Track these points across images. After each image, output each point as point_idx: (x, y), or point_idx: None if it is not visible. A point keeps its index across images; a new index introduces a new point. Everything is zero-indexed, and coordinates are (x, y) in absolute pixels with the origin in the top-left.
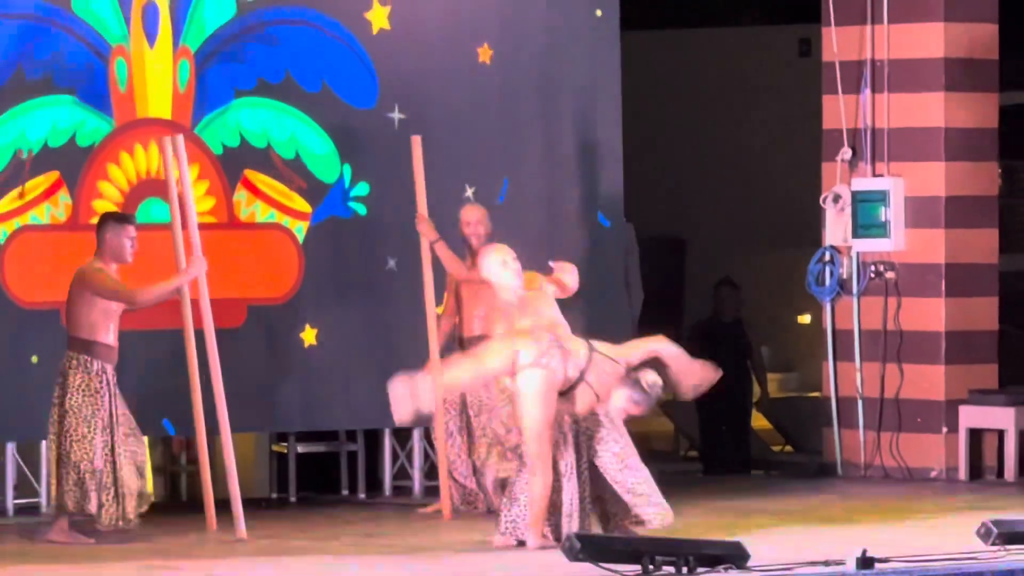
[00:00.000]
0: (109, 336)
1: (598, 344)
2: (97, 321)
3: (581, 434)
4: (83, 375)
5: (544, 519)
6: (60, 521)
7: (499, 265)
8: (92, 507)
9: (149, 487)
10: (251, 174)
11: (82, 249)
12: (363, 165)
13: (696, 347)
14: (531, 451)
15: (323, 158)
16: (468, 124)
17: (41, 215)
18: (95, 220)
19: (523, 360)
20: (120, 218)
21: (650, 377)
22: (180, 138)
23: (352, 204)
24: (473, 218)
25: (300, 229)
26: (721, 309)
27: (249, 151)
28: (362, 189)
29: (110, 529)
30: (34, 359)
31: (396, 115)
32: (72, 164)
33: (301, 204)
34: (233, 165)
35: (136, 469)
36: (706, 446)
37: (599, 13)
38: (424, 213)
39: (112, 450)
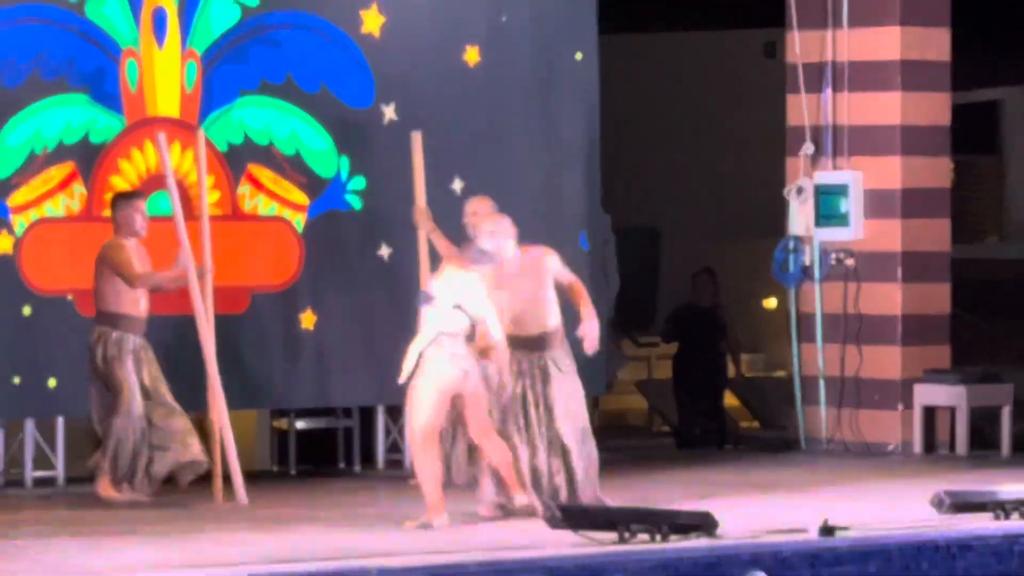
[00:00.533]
0: (135, 307)
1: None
2: (121, 292)
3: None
4: (106, 346)
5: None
6: (102, 478)
7: (487, 235)
8: (126, 472)
9: (196, 455)
10: (255, 169)
11: (96, 238)
12: (360, 161)
13: (675, 330)
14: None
15: (322, 154)
16: (457, 123)
17: (57, 207)
18: (107, 212)
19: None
20: (129, 195)
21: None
22: (201, 134)
23: (349, 197)
24: (481, 210)
25: (299, 221)
26: (699, 295)
27: (252, 148)
28: (359, 183)
29: (146, 493)
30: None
31: (389, 114)
32: (86, 159)
33: (300, 197)
34: (237, 161)
35: (171, 436)
36: (682, 422)
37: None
38: (422, 205)
39: (143, 417)
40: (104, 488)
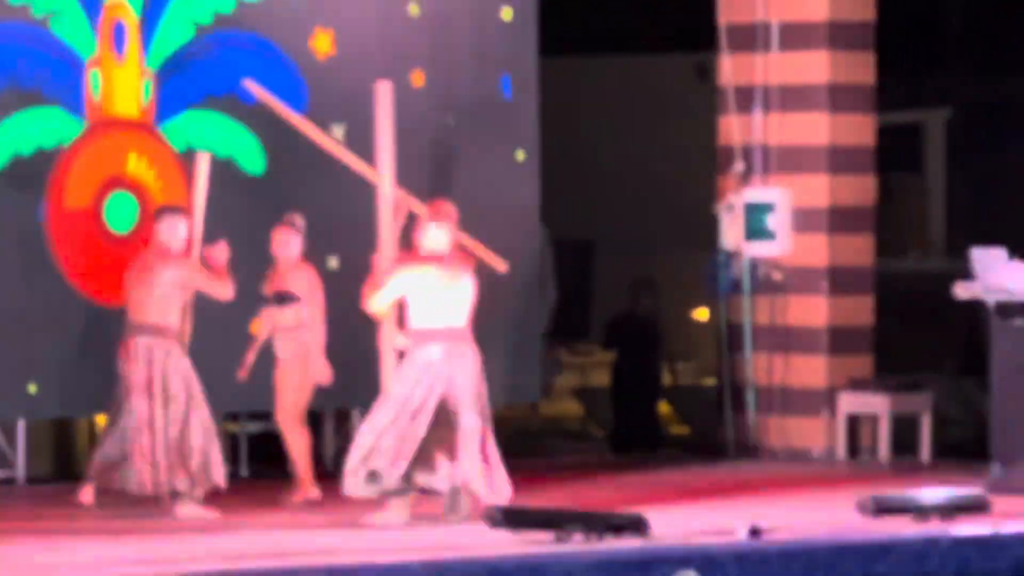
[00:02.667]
0: (168, 318)
1: None
2: (160, 303)
3: None
4: (152, 355)
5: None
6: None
7: (433, 227)
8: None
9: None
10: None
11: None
12: (291, 166)
13: (612, 339)
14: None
15: (255, 159)
16: (404, 142)
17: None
18: (71, 204)
19: None
20: (176, 210)
21: None
22: (207, 156)
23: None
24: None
25: None
26: (636, 306)
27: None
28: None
29: (142, 494)
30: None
31: (339, 129)
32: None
33: None
34: (189, 163)
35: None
36: (617, 427)
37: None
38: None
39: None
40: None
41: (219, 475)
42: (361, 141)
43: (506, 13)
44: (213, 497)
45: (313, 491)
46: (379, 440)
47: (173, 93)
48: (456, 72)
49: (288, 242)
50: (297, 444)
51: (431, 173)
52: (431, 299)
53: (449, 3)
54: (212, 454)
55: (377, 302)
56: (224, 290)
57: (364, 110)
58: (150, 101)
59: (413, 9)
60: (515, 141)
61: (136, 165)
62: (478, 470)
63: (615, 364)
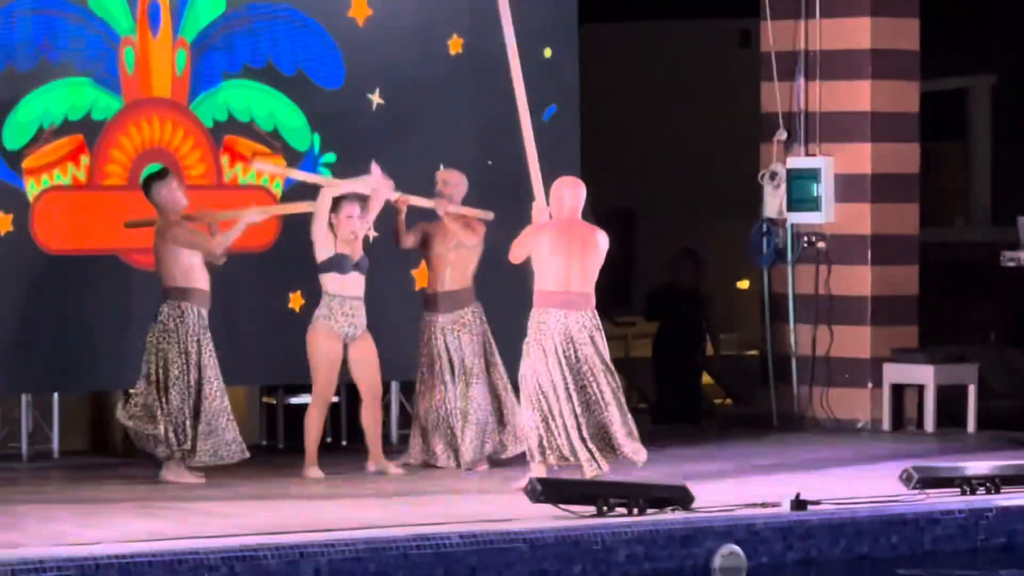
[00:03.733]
0: (203, 281)
1: None
2: (190, 266)
3: None
4: (178, 321)
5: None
6: (170, 464)
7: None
8: (173, 446)
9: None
10: (230, 139)
11: (99, 204)
12: (331, 137)
13: (656, 309)
14: None
15: (296, 130)
16: (441, 109)
17: (64, 174)
18: (108, 182)
19: None
20: (161, 174)
21: None
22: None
23: (320, 169)
24: (452, 179)
25: (278, 185)
26: (679, 275)
27: (235, 124)
28: (330, 157)
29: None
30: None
31: (375, 99)
32: (90, 134)
33: (278, 163)
34: (221, 136)
35: (217, 415)
36: (660, 398)
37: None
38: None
39: (199, 392)
40: (171, 474)
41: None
42: (397, 107)
43: None
44: (247, 468)
45: (389, 466)
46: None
47: (209, 65)
48: (495, 38)
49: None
50: (379, 416)
51: (469, 140)
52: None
53: None
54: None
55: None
56: (214, 247)
57: (401, 77)
58: (184, 73)
59: None
60: (554, 108)
61: (170, 139)
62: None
63: (657, 335)
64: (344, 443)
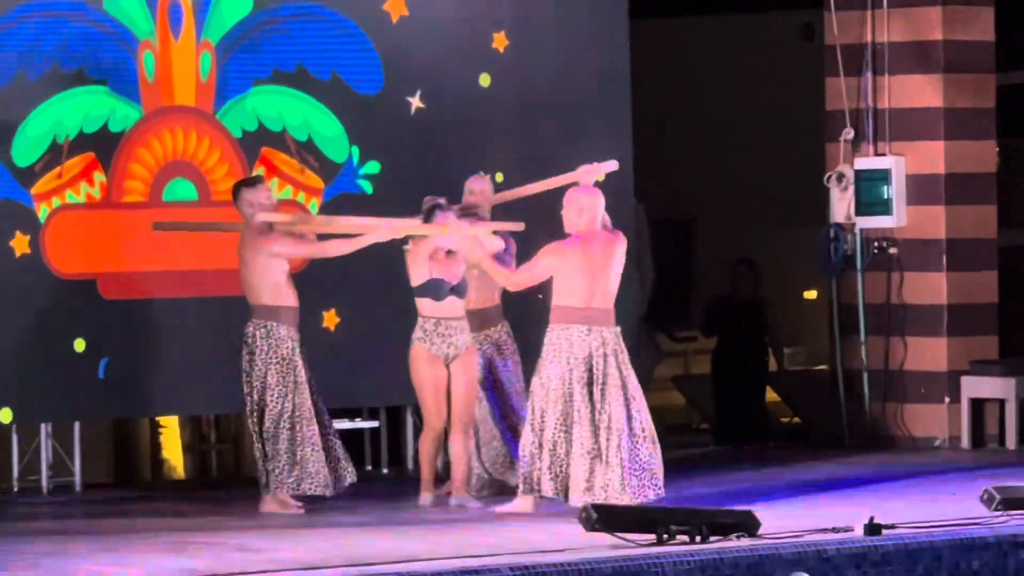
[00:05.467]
0: (291, 297)
1: None
2: (277, 283)
3: None
4: (270, 343)
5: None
6: (267, 497)
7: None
8: (264, 472)
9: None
10: (268, 152)
11: (116, 223)
12: (371, 146)
13: (713, 323)
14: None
15: (333, 140)
16: (484, 110)
17: (78, 194)
18: (128, 198)
19: None
20: (250, 182)
21: None
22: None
23: (360, 182)
24: (478, 188)
25: (313, 205)
26: (737, 287)
27: (266, 134)
28: (372, 168)
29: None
30: (79, 344)
31: (414, 102)
32: (106, 147)
33: (315, 181)
34: (251, 147)
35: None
36: (721, 418)
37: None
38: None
39: (294, 417)
40: (267, 504)
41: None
42: (439, 111)
43: None
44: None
45: (471, 500)
46: None
47: (236, 69)
48: (543, 32)
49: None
50: (466, 445)
51: (513, 143)
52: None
53: None
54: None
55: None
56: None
57: (442, 78)
58: (209, 79)
59: None
60: (604, 111)
61: (195, 151)
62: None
63: (715, 351)
64: (385, 471)
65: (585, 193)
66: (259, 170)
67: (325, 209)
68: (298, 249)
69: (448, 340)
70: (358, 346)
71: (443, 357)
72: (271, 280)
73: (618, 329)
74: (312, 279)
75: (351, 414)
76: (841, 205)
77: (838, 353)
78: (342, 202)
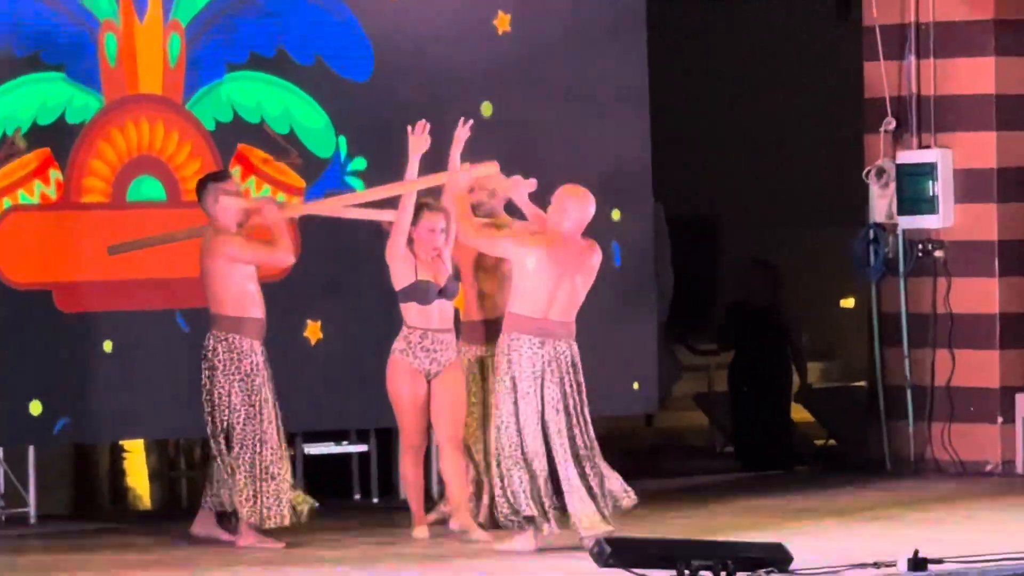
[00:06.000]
0: (257, 308)
1: None
2: (244, 292)
3: None
4: (232, 356)
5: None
6: (242, 526)
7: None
8: (240, 503)
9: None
10: (245, 148)
11: (75, 226)
12: (360, 139)
13: (729, 332)
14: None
15: (318, 132)
16: (485, 98)
17: (31, 194)
18: (87, 199)
19: None
20: (218, 176)
21: None
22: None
23: (349, 179)
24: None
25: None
26: (753, 292)
27: (242, 126)
28: (359, 164)
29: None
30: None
31: (410, 91)
32: (62, 141)
33: (295, 180)
34: (226, 140)
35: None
36: (742, 440)
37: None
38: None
39: (256, 441)
40: (244, 537)
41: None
42: (435, 99)
43: None
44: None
45: (475, 528)
46: None
47: (209, 53)
48: (549, 15)
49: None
50: (460, 467)
51: (518, 134)
52: None
53: None
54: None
55: None
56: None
57: (439, 64)
58: (179, 63)
59: None
60: (619, 98)
61: (162, 145)
62: None
63: (731, 365)
64: (375, 500)
65: (574, 197)
66: (235, 168)
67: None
68: (249, 253)
69: (432, 356)
70: (345, 361)
71: (424, 373)
72: (234, 288)
73: (574, 345)
74: (294, 286)
75: (337, 437)
76: (882, 203)
77: (878, 368)
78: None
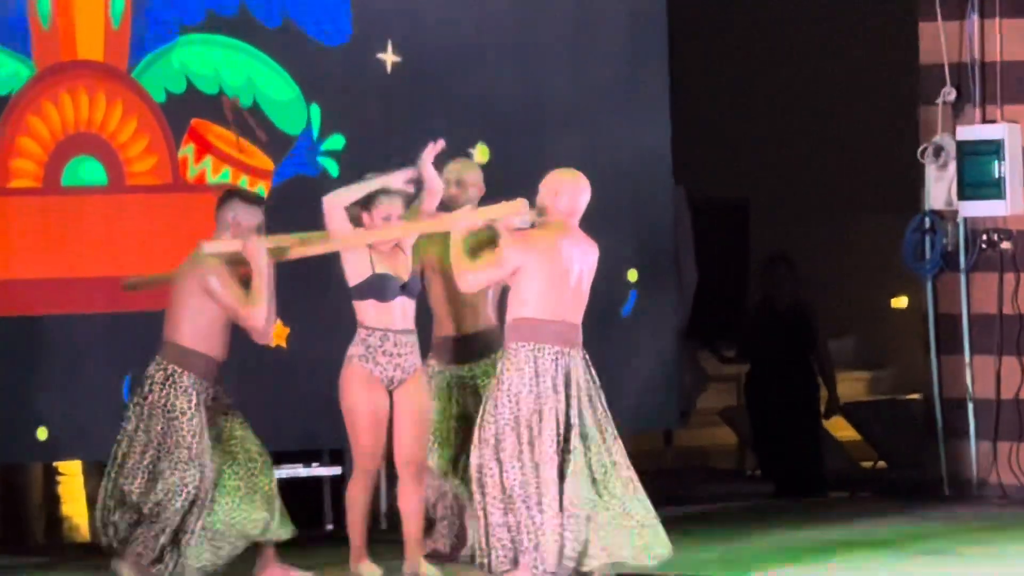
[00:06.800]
0: (216, 347)
1: None
2: (212, 330)
3: None
4: (167, 393)
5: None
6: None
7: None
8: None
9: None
10: (200, 124)
11: (1, 216)
12: (335, 114)
13: (750, 339)
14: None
15: (286, 105)
16: (478, 67)
17: None
18: (16, 183)
19: None
20: (249, 197)
21: None
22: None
23: (322, 160)
24: (470, 179)
25: (261, 190)
26: (773, 293)
27: (197, 98)
28: (335, 143)
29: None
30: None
31: (388, 58)
32: None
33: (261, 161)
34: (178, 114)
35: (234, 504)
36: (766, 462)
37: None
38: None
39: (190, 495)
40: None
41: None
42: (420, 67)
43: None
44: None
45: (426, 568)
46: None
47: (158, 14)
48: None
49: None
50: (419, 499)
51: (516, 107)
52: None
53: None
54: None
55: None
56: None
57: (423, 27)
58: (123, 24)
59: None
60: (635, 66)
61: (104, 121)
62: None
63: (748, 374)
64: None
65: (567, 179)
66: (188, 146)
67: (275, 195)
68: (225, 296)
69: (395, 361)
70: (315, 374)
71: (386, 382)
72: (202, 323)
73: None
74: None
75: (307, 458)
76: (939, 187)
77: (935, 378)
78: (297, 186)
